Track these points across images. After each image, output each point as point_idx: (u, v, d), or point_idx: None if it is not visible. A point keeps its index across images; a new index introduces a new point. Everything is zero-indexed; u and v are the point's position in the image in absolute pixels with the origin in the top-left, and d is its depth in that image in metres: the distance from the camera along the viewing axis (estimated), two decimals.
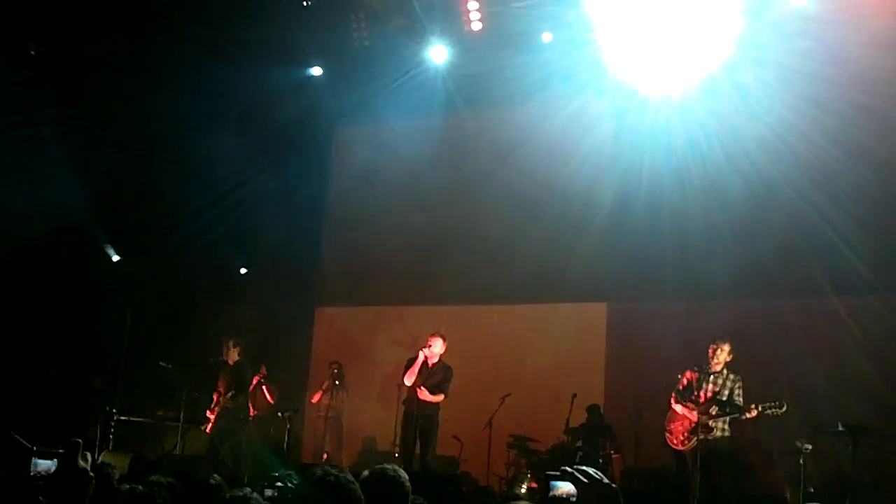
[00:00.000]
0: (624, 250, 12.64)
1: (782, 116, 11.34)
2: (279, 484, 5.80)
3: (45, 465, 2.96)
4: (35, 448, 10.76)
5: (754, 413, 9.16)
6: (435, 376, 10.69)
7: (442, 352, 10.77)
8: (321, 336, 15.22)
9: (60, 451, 2.97)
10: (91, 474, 2.76)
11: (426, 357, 10.67)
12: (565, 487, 2.63)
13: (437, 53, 12.92)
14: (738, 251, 11.54)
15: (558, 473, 2.64)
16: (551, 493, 2.66)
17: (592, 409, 11.75)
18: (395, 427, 11.25)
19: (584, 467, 2.59)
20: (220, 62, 13.11)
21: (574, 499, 2.59)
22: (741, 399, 9.41)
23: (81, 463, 2.78)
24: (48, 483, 2.86)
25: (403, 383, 10.77)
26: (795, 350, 10.99)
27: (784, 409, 9.03)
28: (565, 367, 12.24)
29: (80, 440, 2.83)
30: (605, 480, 2.55)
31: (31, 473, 3.01)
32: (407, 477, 3.78)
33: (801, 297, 11.37)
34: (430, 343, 10.72)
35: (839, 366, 10.49)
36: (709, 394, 9.52)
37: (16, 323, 12.90)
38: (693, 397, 9.54)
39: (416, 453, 10.55)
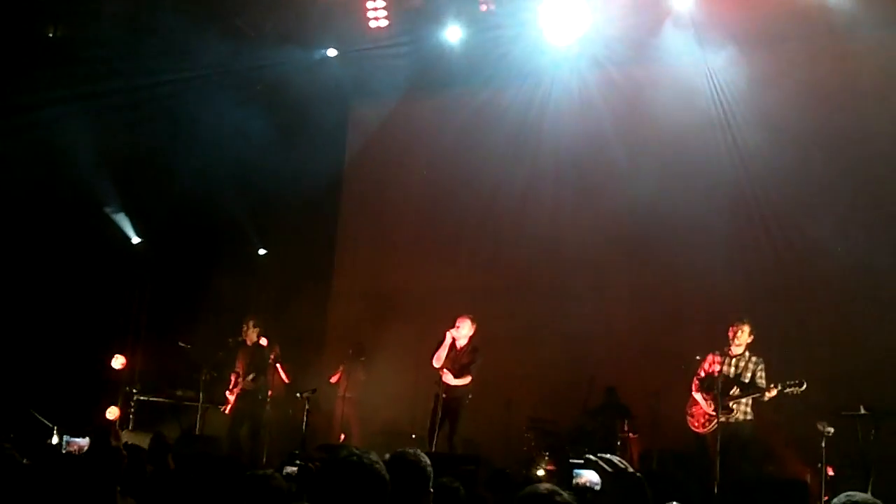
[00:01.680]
0: (644, 230, 12.58)
1: None
2: (299, 462, 5.84)
3: (80, 442, 2.98)
4: (55, 427, 10.89)
5: (774, 392, 9.10)
6: (463, 358, 10.60)
7: (471, 333, 10.66)
8: (338, 317, 15.22)
9: (93, 429, 3.00)
10: (124, 452, 2.77)
11: (454, 339, 10.57)
12: (588, 475, 2.60)
13: (453, 32, 12.89)
14: (761, 231, 11.49)
15: (582, 462, 2.60)
16: (574, 481, 2.63)
17: (610, 391, 11.73)
18: (412, 409, 11.25)
19: (608, 455, 2.54)
20: (237, 43, 13.10)
21: (598, 487, 2.56)
22: (763, 381, 9.36)
23: (114, 441, 2.79)
24: (82, 460, 2.87)
25: (429, 364, 10.66)
26: (817, 332, 10.92)
27: (804, 387, 8.96)
28: (584, 348, 12.18)
29: (114, 420, 2.85)
30: (630, 469, 2.51)
31: (64, 451, 3.03)
32: (428, 461, 3.78)
33: (824, 278, 11.30)
34: (458, 325, 10.60)
35: (861, 348, 10.40)
36: (728, 377, 9.46)
37: (37, 304, 12.98)
38: (714, 381, 9.46)
39: (440, 435, 10.44)
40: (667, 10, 12.03)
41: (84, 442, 2.91)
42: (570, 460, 2.65)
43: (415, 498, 3.62)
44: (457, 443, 10.52)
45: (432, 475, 3.73)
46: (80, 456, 2.95)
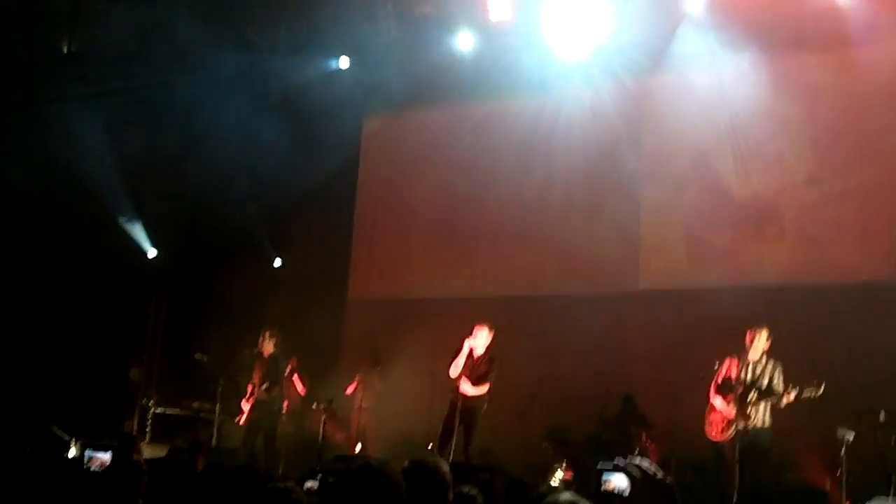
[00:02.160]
0: (660, 236, 12.56)
1: None
2: (320, 476, 5.82)
3: (102, 457, 2.98)
4: (73, 439, 10.90)
5: (792, 396, 9.02)
6: (480, 367, 10.51)
7: (488, 342, 10.55)
8: (353, 328, 15.22)
9: (115, 444, 3.00)
10: (145, 467, 2.76)
11: (472, 348, 10.49)
12: (618, 481, 2.59)
13: (464, 41, 12.92)
14: (775, 234, 11.46)
15: (611, 467, 2.59)
16: (603, 487, 2.62)
17: (627, 400, 11.68)
18: (429, 419, 11.21)
19: (637, 460, 2.53)
20: (251, 53, 13.18)
21: (626, 493, 2.55)
22: (781, 386, 9.27)
23: (136, 456, 2.79)
24: (104, 475, 2.87)
25: (444, 374, 10.59)
26: (836, 338, 10.85)
27: (822, 389, 8.88)
28: (600, 357, 12.13)
29: (136, 435, 2.85)
30: (660, 475, 2.49)
31: (85, 466, 3.03)
32: (447, 469, 3.76)
33: (843, 283, 11.25)
34: (475, 333, 10.50)
35: (882, 354, 10.32)
36: (746, 383, 9.36)
37: (53, 316, 13.03)
38: (732, 387, 9.40)
39: (455, 444, 10.35)
40: (680, 17, 12.04)
41: (106, 457, 2.90)
42: (599, 465, 2.62)
43: None
44: (472, 453, 10.46)
45: (451, 483, 3.72)
46: (103, 472, 2.94)
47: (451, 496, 3.70)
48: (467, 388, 10.37)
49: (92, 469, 3.01)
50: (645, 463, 2.53)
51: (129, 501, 2.69)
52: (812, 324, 11.01)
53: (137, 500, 2.70)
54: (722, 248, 11.95)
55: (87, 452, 3.01)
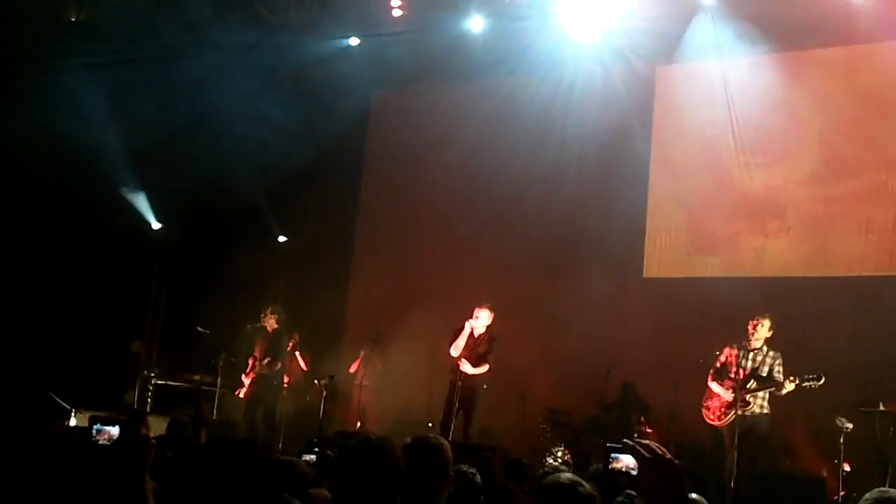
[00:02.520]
0: (663, 223, 12.58)
1: None
2: (316, 450, 5.85)
3: (109, 431, 2.99)
4: (73, 409, 10.95)
5: (792, 386, 9.02)
6: (480, 347, 10.51)
7: (489, 322, 10.56)
8: (356, 305, 15.25)
9: (122, 418, 3.01)
10: (153, 441, 2.78)
11: (472, 328, 10.51)
12: (625, 460, 2.59)
13: (475, 21, 12.89)
14: (779, 226, 11.46)
15: (619, 445, 2.60)
16: (611, 466, 2.62)
17: (627, 385, 11.72)
18: (430, 398, 11.25)
19: (646, 441, 2.54)
20: (260, 29, 13.15)
21: (634, 472, 2.56)
22: (781, 376, 9.30)
23: (143, 430, 2.80)
24: (111, 449, 2.89)
25: (445, 353, 10.63)
26: (836, 328, 10.89)
27: (822, 381, 8.89)
28: (601, 341, 12.16)
29: (145, 409, 2.87)
30: (668, 456, 2.50)
31: (93, 439, 3.04)
32: (448, 446, 3.80)
33: (843, 273, 11.27)
34: (476, 314, 10.51)
35: (882, 344, 10.35)
36: (745, 370, 9.39)
37: (56, 287, 13.06)
38: (731, 375, 9.43)
39: (455, 424, 10.38)
40: (696, 7, 12.02)
41: (114, 431, 2.92)
42: (608, 444, 2.63)
43: (434, 483, 3.63)
44: (472, 433, 10.49)
45: (451, 461, 3.75)
46: (110, 446, 2.96)
47: (451, 473, 3.73)
48: (467, 367, 10.39)
49: (100, 443, 3.02)
50: (654, 444, 2.54)
51: (135, 475, 2.71)
52: (813, 315, 11.05)
53: (144, 474, 2.73)
54: (725, 238, 11.95)
55: (95, 426, 3.02)
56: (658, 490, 2.48)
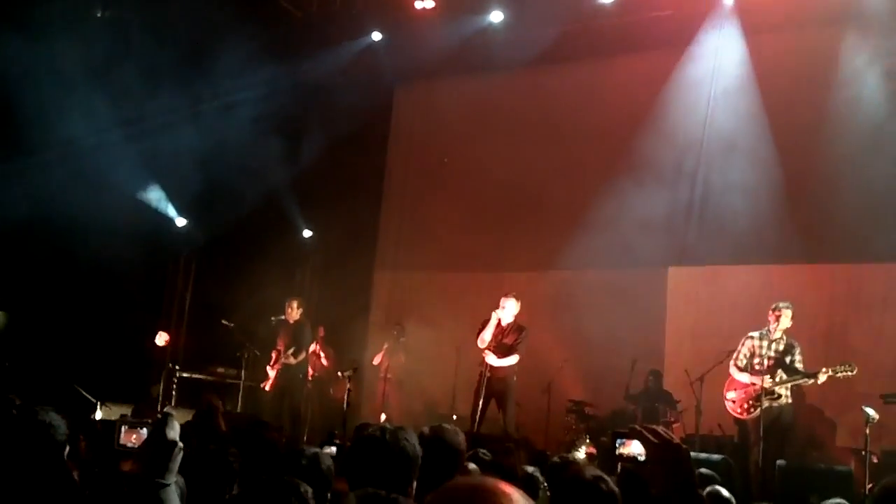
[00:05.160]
0: (686, 215, 12.49)
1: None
2: (337, 442, 5.85)
3: (137, 435, 2.97)
4: (99, 403, 11.00)
5: (825, 377, 8.92)
6: (507, 338, 10.42)
7: (516, 312, 10.44)
8: (381, 299, 15.28)
9: (149, 421, 2.99)
10: (180, 445, 2.77)
11: (499, 318, 10.41)
12: (633, 446, 2.56)
13: (494, 14, 12.88)
14: (804, 214, 11.34)
15: (626, 431, 2.57)
16: (618, 451, 2.59)
17: (653, 375, 11.67)
18: (455, 390, 11.23)
19: (653, 426, 2.51)
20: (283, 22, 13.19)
21: (642, 458, 2.53)
22: (801, 366, 9.19)
23: (171, 434, 2.78)
24: (137, 453, 2.89)
25: (472, 345, 10.53)
26: (860, 317, 10.78)
27: (855, 370, 8.78)
28: (626, 332, 12.10)
29: (172, 412, 2.84)
30: (676, 440, 2.47)
31: (121, 443, 3.03)
32: (463, 436, 3.80)
33: (867, 262, 11.15)
34: (502, 304, 10.40)
35: None
36: (770, 360, 9.28)
37: (83, 282, 13.14)
38: (755, 364, 9.33)
39: (485, 416, 10.30)
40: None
41: (143, 433, 2.91)
42: (615, 431, 2.60)
43: (449, 472, 3.63)
44: (509, 425, 10.34)
45: (465, 451, 3.76)
46: (137, 449, 2.95)
47: (464, 462, 3.73)
48: (492, 359, 10.32)
49: (127, 445, 3.02)
50: (660, 428, 2.51)
51: (158, 475, 2.71)
52: (839, 304, 10.94)
53: (165, 474, 2.72)
54: (752, 227, 11.82)
55: (123, 429, 3.01)
56: (666, 475, 2.46)
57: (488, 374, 10.26)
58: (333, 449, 5.68)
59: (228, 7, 12.59)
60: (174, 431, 2.81)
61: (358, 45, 14.03)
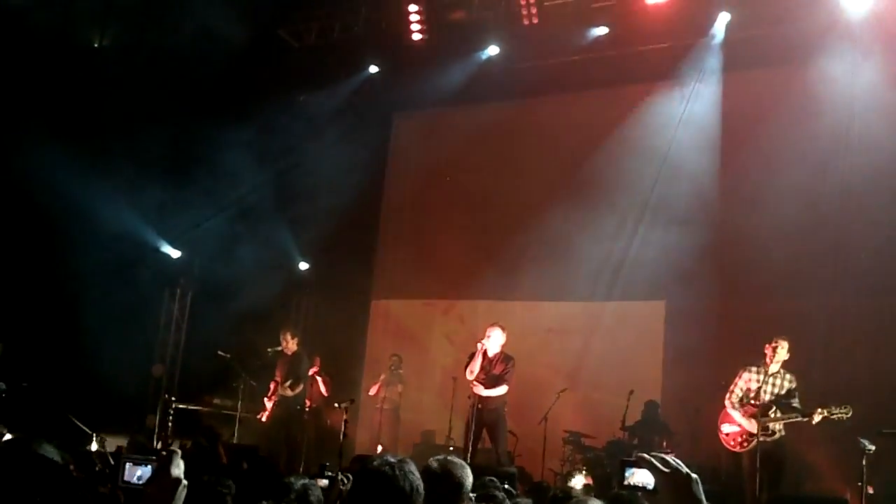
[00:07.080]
0: (683, 248, 12.52)
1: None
2: (329, 474, 5.85)
3: (141, 472, 2.98)
4: (94, 434, 10.95)
5: (820, 417, 8.84)
6: (494, 368, 10.38)
7: (503, 342, 10.44)
8: (377, 329, 15.28)
9: (154, 458, 3.01)
10: (185, 482, 2.78)
11: (485, 349, 10.38)
12: (641, 475, 2.56)
13: (494, 47, 12.98)
14: (797, 249, 11.37)
15: (634, 460, 2.57)
16: (626, 481, 2.59)
17: (650, 406, 11.67)
18: (451, 420, 11.23)
19: (662, 454, 2.51)
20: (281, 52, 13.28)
21: (650, 487, 2.52)
22: (797, 401, 9.18)
23: (175, 471, 2.79)
24: (140, 491, 2.90)
25: (464, 377, 10.47)
26: (856, 349, 10.79)
27: (850, 413, 8.76)
28: (623, 363, 12.13)
29: (178, 449, 2.85)
30: (685, 469, 2.47)
31: (125, 480, 3.04)
32: (468, 468, 3.80)
33: (862, 296, 11.18)
34: (488, 334, 10.38)
35: None
36: (767, 395, 9.22)
37: (78, 312, 13.12)
38: (751, 399, 9.29)
39: (477, 448, 10.29)
40: None
41: (147, 470, 2.91)
42: (623, 459, 2.60)
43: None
44: (502, 455, 10.31)
45: (469, 484, 3.75)
46: (140, 488, 2.95)
47: (466, 496, 3.73)
48: (480, 390, 10.28)
49: (131, 483, 3.02)
50: (670, 457, 2.52)
51: None
52: (836, 335, 10.96)
53: None
54: (748, 261, 11.85)
55: (127, 465, 3.01)
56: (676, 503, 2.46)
57: (479, 406, 10.25)
58: (325, 481, 5.68)
59: (228, 32, 12.68)
60: (179, 469, 2.82)
61: (356, 77, 14.12)
